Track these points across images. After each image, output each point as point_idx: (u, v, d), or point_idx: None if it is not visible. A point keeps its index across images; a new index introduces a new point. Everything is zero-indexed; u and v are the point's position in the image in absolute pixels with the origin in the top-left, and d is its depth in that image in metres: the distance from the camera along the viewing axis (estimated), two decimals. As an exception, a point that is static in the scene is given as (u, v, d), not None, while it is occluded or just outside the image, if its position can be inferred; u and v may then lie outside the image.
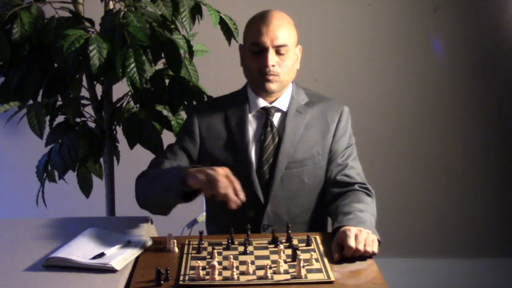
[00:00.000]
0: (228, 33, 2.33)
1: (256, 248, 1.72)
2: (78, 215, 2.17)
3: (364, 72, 3.25)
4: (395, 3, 3.18)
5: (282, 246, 1.68)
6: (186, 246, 1.73)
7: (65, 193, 2.84)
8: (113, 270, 1.59)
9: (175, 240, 1.73)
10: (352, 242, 1.63)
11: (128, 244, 1.72)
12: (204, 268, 1.58)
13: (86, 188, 2.54)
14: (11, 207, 3.34)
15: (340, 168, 1.98)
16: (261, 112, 1.99)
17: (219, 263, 1.60)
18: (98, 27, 2.23)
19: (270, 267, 1.57)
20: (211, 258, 1.61)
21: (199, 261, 1.56)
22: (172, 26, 2.34)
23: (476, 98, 3.27)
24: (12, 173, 3.33)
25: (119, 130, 2.44)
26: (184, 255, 1.68)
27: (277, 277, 1.54)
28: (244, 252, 1.68)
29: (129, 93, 2.41)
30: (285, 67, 1.93)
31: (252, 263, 1.61)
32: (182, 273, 1.57)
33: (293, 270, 1.57)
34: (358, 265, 1.62)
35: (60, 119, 2.41)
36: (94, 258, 1.62)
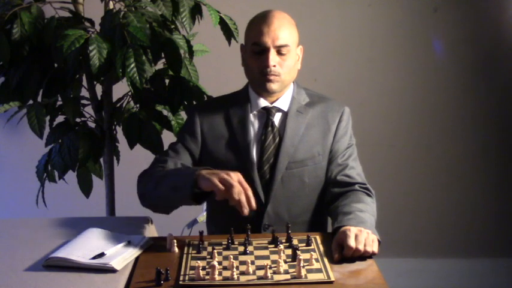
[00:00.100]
0: (228, 33, 2.33)
1: (256, 248, 1.72)
2: (78, 215, 2.17)
3: (364, 72, 3.25)
4: (395, 3, 3.18)
5: (282, 246, 1.68)
6: (186, 246, 1.73)
7: (65, 193, 2.84)
8: (113, 270, 1.59)
9: (175, 240, 1.73)
10: (352, 242, 1.63)
11: (128, 244, 1.72)
12: (204, 268, 1.58)
13: (86, 188, 2.54)
14: (11, 207, 3.34)
15: (340, 168, 1.98)
16: (262, 112, 1.99)
17: (219, 263, 1.60)
18: (98, 27, 2.23)
19: (270, 267, 1.57)
20: (211, 258, 1.61)
21: (199, 261, 1.55)
22: (172, 26, 2.34)
23: (476, 98, 3.27)
24: (12, 173, 3.33)
25: (119, 130, 2.44)
26: (184, 255, 1.68)
27: (277, 277, 1.54)
28: (244, 252, 1.68)
29: (129, 93, 2.41)
30: (286, 67, 1.93)
31: (252, 263, 1.61)
32: (182, 273, 1.57)
33: (293, 270, 1.57)
34: (358, 265, 1.62)
35: (60, 119, 2.41)
36: (94, 258, 1.62)
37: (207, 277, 1.53)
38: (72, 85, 2.36)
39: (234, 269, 1.54)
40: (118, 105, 2.44)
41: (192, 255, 1.68)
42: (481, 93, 3.26)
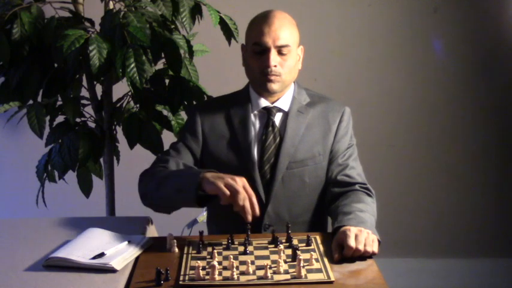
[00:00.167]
0: (228, 33, 2.33)
1: (256, 248, 1.72)
2: (78, 215, 2.17)
3: (364, 72, 3.25)
4: (395, 3, 3.18)
5: (282, 246, 1.68)
6: (186, 246, 1.73)
7: (65, 193, 2.84)
8: (113, 270, 1.59)
9: (175, 240, 1.73)
10: (352, 242, 1.63)
11: (128, 244, 1.72)
12: (204, 268, 1.58)
13: (86, 188, 2.54)
14: (11, 207, 3.34)
15: (340, 168, 1.98)
16: (263, 112, 1.99)
17: (219, 263, 1.60)
18: (98, 27, 2.23)
19: (270, 267, 1.57)
20: (211, 258, 1.61)
21: (199, 261, 1.56)
22: (172, 26, 2.34)
23: (476, 98, 3.27)
24: (12, 173, 3.33)
25: (119, 130, 2.44)
26: (184, 255, 1.68)
27: (277, 277, 1.54)
28: (244, 252, 1.68)
29: (129, 93, 2.41)
30: (286, 67, 1.93)
31: (252, 263, 1.61)
32: (182, 273, 1.57)
33: (293, 270, 1.57)
34: (358, 265, 1.62)
35: (60, 119, 2.41)
36: (94, 258, 1.62)
37: (207, 277, 1.53)
38: (72, 85, 2.36)
39: (234, 269, 1.54)
40: (118, 105, 2.44)
41: (192, 255, 1.68)
42: (481, 93, 3.26)
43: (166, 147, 2.14)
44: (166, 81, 2.38)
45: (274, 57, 1.90)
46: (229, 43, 2.35)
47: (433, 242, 3.37)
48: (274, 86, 1.93)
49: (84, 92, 2.43)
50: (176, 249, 1.71)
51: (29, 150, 2.82)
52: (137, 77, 2.07)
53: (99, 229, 1.80)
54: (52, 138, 2.37)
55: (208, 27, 2.40)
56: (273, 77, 1.92)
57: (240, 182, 1.69)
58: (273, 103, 1.99)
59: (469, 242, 3.37)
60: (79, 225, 1.91)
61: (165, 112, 2.45)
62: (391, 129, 3.29)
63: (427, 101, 3.27)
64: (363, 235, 1.65)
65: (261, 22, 1.92)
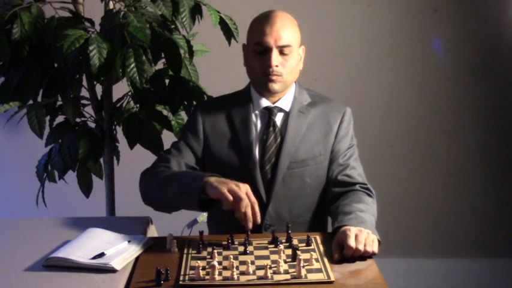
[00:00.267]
0: (228, 33, 2.33)
1: (256, 248, 1.72)
2: (78, 215, 2.17)
3: (364, 72, 3.24)
4: (395, 3, 3.18)
5: (282, 246, 1.68)
6: (186, 246, 1.73)
7: (65, 193, 2.84)
8: (113, 270, 1.59)
9: (175, 240, 1.73)
10: (352, 242, 1.63)
11: (128, 244, 1.72)
12: (204, 268, 1.58)
13: (86, 188, 2.54)
14: (11, 207, 3.34)
15: (341, 168, 1.98)
16: (264, 112, 2.00)
17: (219, 263, 1.60)
18: (98, 27, 2.23)
19: (270, 267, 1.57)
20: (211, 258, 1.61)
21: (199, 261, 1.56)
22: (172, 26, 2.34)
23: (476, 98, 3.27)
24: (12, 173, 3.33)
25: (119, 130, 2.44)
26: (184, 255, 1.68)
27: (277, 277, 1.54)
28: (244, 252, 1.68)
29: (129, 93, 2.41)
30: (288, 67, 1.93)
31: (252, 263, 1.61)
32: (182, 273, 1.57)
33: (293, 270, 1.57)
34: (358, 265, 1.62)
35: (60, 119, 2.41)
36: (94, 258, 1.62)
37: (207, 277, 1.53)
38: (72, 85, 2.36)
39: (234, 269, 1.54)
40: (118, 105, 2.44)
41: (192, 255, 1.68)
42: (481, 93, 3.26)
43: (166, 147, 2.14)
44: (166, 81, 2.38)
45: (275, 57, 1.90)
46: (229, 43, 2.35)
47: (432, 242, 3.37)
48: (275, 86, 1.93)
49: (84, 92, 2.43)
50: (176, 249, 1.71)
51: (29, 150, 2.82)
52: (137, 77, 2.07)
53: (99, 229, 1.81)
54: (52, 138, 2.36)
55: (208, 27, 2.40)
56: (274, 77, 1.92)
57: (244, 189, 1.70)
58: (274, 103, 1.99)
59: (469, 242, 3.37)
60: (79, 225, 1.91)
61: (165, 112, 2.45)
62: (391, 129, 3.29)
63: (427, 101, 3.27)
64: (363, 235, 1.65)
65: (262, 22, 1.92)
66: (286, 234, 1.76)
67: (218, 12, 2.30)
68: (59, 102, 2.38)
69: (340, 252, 1.64)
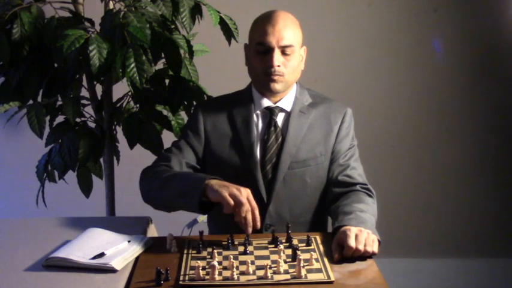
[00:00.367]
0: (228, 33, 2.33)
1: (256, 248, 1.72)
2: (78, 215, 2.17)
3: (364, 72, 3.24)
4: (395, 3, 3.18)
5: (282, 246, 1.68)
6: (186, 246, 1.73)
7: (65, 193, 2.84)
8: (113, 270, 1.59)
9: (175, 240, 1.73)
10: (352, 242, 1.63)
11: (128, 244, 1.72)
12: (204, 268, 1.58)
13: (86, 188, 2.54)
14: (11, 207, 3.34)
15: (341, 169, 1.98)
16: (265, 112, 2.00)
17: (219, 263, 1.60)
18: (98, 27, 2.23)
19: (270, 267, 1.57)
20: (211, 258, 1.61)
21: (199, 261, 1.56)
22: (172, 26, 2.34)
23: (475, 98, 3.27)
24: (12, 173, 3.33)
25: (119, 130, 2.44)
26: (184, 255, 1.68)
27: (277, 277, 1.54)
28: (244, 252, 1.68)
29: (129, 93, 2.41)
30: (290, 67, 1.93)
31: (252, 263, 1.61)
32: (182, 273, 1.57)
33: (293, 270, 1.57)
34: (358, 265, 1.62)
35: (60, 119, 2.41)
36: (94, 258, 1.62)
37: (207, 277, 1.53)
38: (72, 85, 2.36)
39: (234, 269, 1.54)
40: (118, 105, 2.44)
41: (192, 255, 1.68)
42: (481, 93, 3.26)
43: (166, 147, 2.14)
44: (166, 81, 2.38)
45: (277, 57, 1.90)
46: (229, 43, 2.35)
47: (432, 242, 3.37)
48: (277, 86, 1.93)
49: (84, 92, 2.43)
50: (176, 249, 1.71)
51: (29, 150, 2.82)
52: (137, 77, 2.07)
53: (99, 229, 1.80)
54: (52, 138, 2.36)
55: (208, 27, 2.40)
56: (276, 77, 1.92)
57: (245, 193, 1.70)
58: (275, 103, 1.99)
59: (468, 242, 3.37)
60: (79, 225, 1.91)
61: (165, 112, 2.45)
62: (391, 129, 3.29)
63: (427, 101, 3.27)
64: (363, 235, 1.65)
65: (265, 22, 1.92)
66: (286, 234, 1.76)
67: (218, 12, 2.30)
68: (59, 102, 2.37)
69: (340, 252, 1.65)
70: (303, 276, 1.53)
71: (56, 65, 2.29)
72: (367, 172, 2.05)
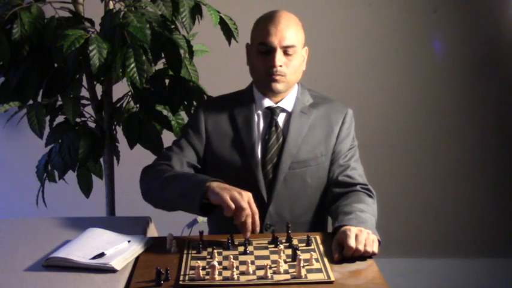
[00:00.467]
0: (228, 33, 2.33)
1: (256, 248, 1.72)
2: (78, 215, 2.17)
3: (364, 72, 3.25)
4: (395, 3, 3.18)
5: (282, 246, 1.68)
6: (186, 246, 1.73)
7: (65, 193, 2.84)
8: (113, 270, 1.59)
9: (175, 240, 1.73)
10: (352, 242, 1.63)
11: (128, 244, 1.72)
12: (204, 268, 1.58)
13: (86, 188, 2.54)
14: (11, 207, 3.34)
15: (342, 169, 1.98)
16: (266, 112, 2.00)
17: (219, 263, 1.60)
18: (98, 27, 2.23)
19: (270, 267, 1.57)
20: (211, 258, 1.61)
21: (199, 261, 1.56)
22: (172, 26, 2.34)
23: (475, 98, 3.27)
24: (12, 173, 3.33)
25: (119, 130, 2.44)
26: (184, 255, 1.68)
27: (277, 277, 1.54)
28: (244, 252, 1.68)
29: (129, 93, 2.41)
30: (291, 68, 1.93)
31: (252, 263, 1.61)
32: (182, 273, 1.57)
33: (293, 270, 1.57)
34: (358, 265, 1.62)
35: (60, 119, 2.41)
36: (94, 258, 1.62)
37: (207, 277, 1.53)
38: (72, 85, 2.36)
39: (234, 269, 1.54)
40: (118, 105, 2.44)
41: (192, 255, 1.68)
42: (481, 93, 3.27)
43: (166, 147, 2.14)
44: (166, 81, 2.38)
45: (279, 57, 1.90)
46: (229, 43, 2.35)
47: (432, 242, 3.37)
48: (278, 86, 1.94)
49: (84, 92, 2.43)
50: (176, 249, 1.71)
51: (29, 150, 2.82)
52: (137, 77, 2.07)
53: (99, 229, 1.80)
54: (52, 138, 2.36)
55: (208, 27, 2.40)
56: (277, 77, 1.92)
57: (246, 197, 1.70)
58: (276, 103, 2.00)
59: (468, 242, 3.37)
60: (79, 225, 1.91)
61: (165, 112, 2.45)
62: (391, 129, 3.29)
63: (427, 101, 3.27)
64: (363, 235, 1.65)
65: (267, 22, 1.92)
66: (286, 234, 1.76)
67: (218, 12, 2.30)
68: (59, 102, 2.37)
69: (340, 252, 1.65)
70: (303, 276, 1.53)
71: (56, 65, 2.29)
72: (367, 172, 2.05)
